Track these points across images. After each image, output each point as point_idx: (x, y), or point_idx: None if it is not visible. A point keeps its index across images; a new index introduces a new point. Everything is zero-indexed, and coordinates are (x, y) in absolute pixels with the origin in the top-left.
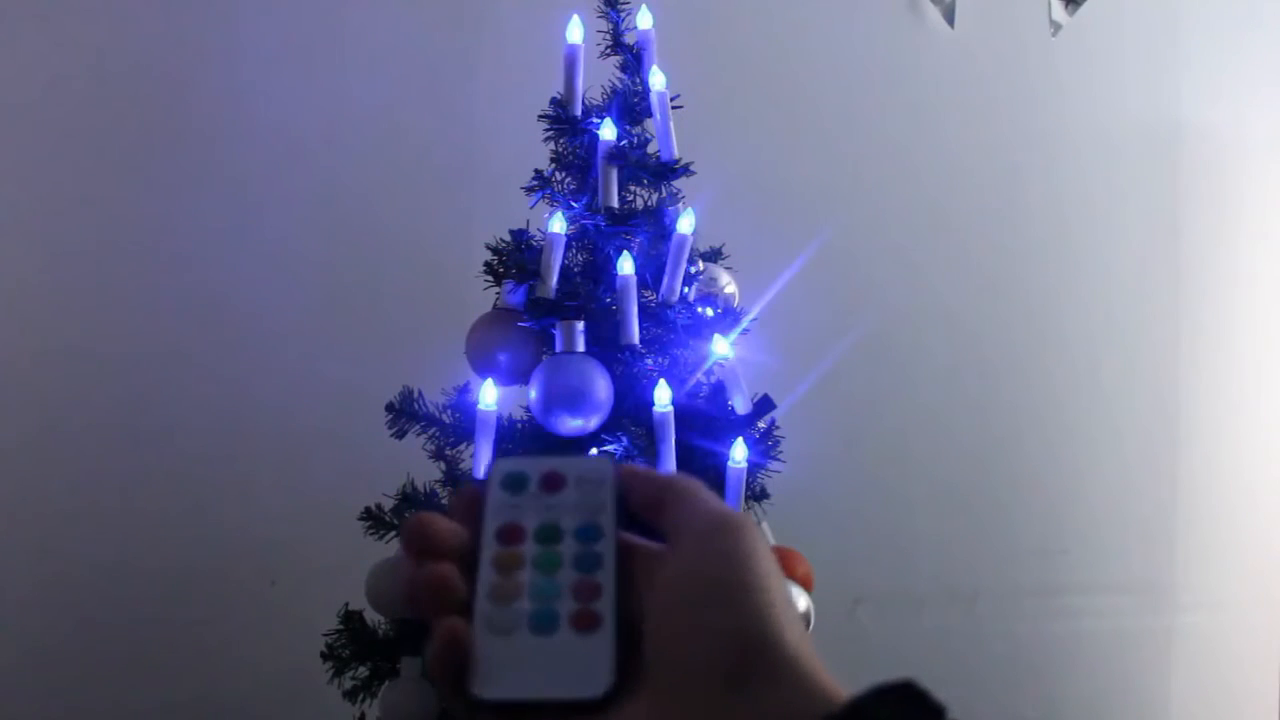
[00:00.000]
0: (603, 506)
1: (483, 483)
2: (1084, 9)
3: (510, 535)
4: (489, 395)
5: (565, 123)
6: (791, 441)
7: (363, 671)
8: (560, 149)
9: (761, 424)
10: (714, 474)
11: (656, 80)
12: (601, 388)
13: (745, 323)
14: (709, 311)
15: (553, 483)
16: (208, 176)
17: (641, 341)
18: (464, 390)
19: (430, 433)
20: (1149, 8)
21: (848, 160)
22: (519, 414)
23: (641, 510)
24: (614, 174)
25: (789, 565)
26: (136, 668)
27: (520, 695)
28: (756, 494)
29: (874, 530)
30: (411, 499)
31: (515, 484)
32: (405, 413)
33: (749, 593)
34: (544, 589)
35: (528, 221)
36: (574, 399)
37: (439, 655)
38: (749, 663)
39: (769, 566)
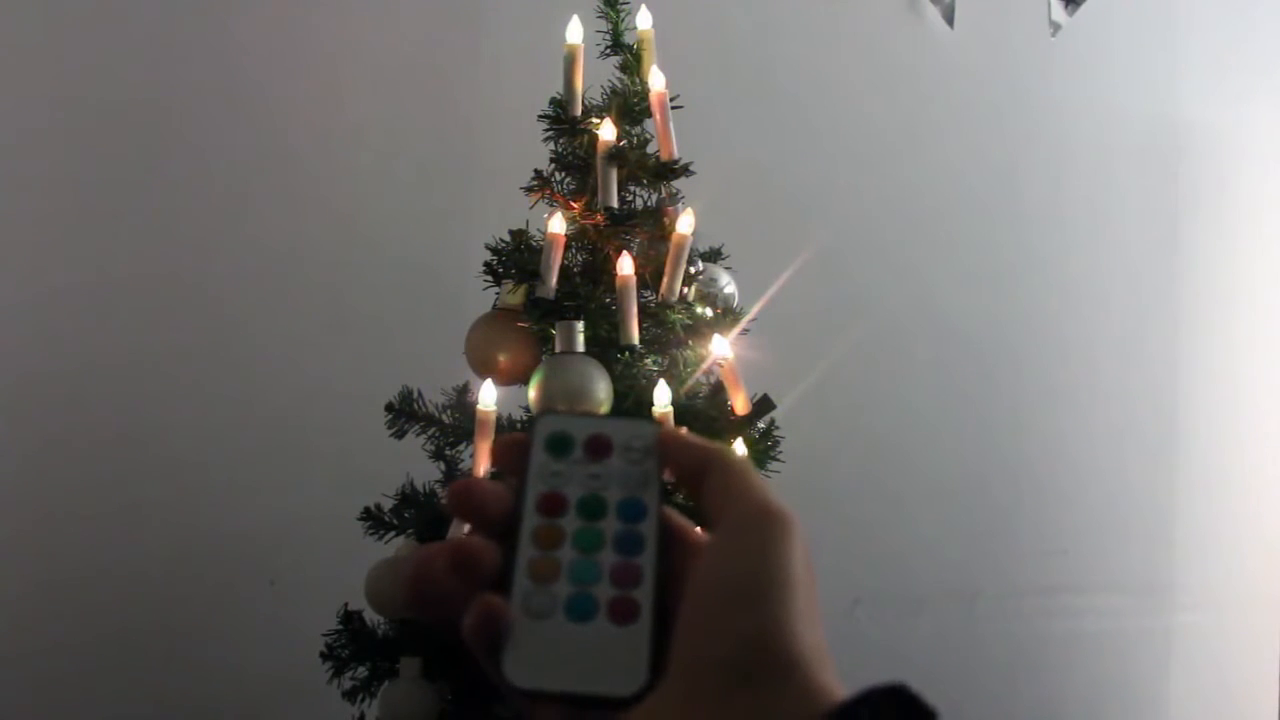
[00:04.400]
0: (648, 479)
1: (527, 435)
2: (1083, 9)
3: (552, 506)
4: (489, 395)
5: (565, 123)
6: (791, 441)
7: (362, 671)
8: (560, 149)
9: (761, 424)
10: None
11: (656, 80)
12: (601, 388)
13: (745, 323)
14: (709, 311)
15: (598, 448)
16: (207, 177)
17: (641, 341)
18: (464, 390)
19: (430, 433)
20: (1148, 8)
21: (847, 160)
22: (519, 414)
23: (681, 482)
24: (613, 174)
25: None
26: (136, 668)
27: (553, 687)
28: None
29: (873, 530)
30: (411, 499)
31: (560, 446)
32: (405, 413)
33: (778, 593)
34: (583, 571)
35: (527, 221)
36: (574, 399)
37: (474, 631)
38: (760, 663)
39: (803, 566)
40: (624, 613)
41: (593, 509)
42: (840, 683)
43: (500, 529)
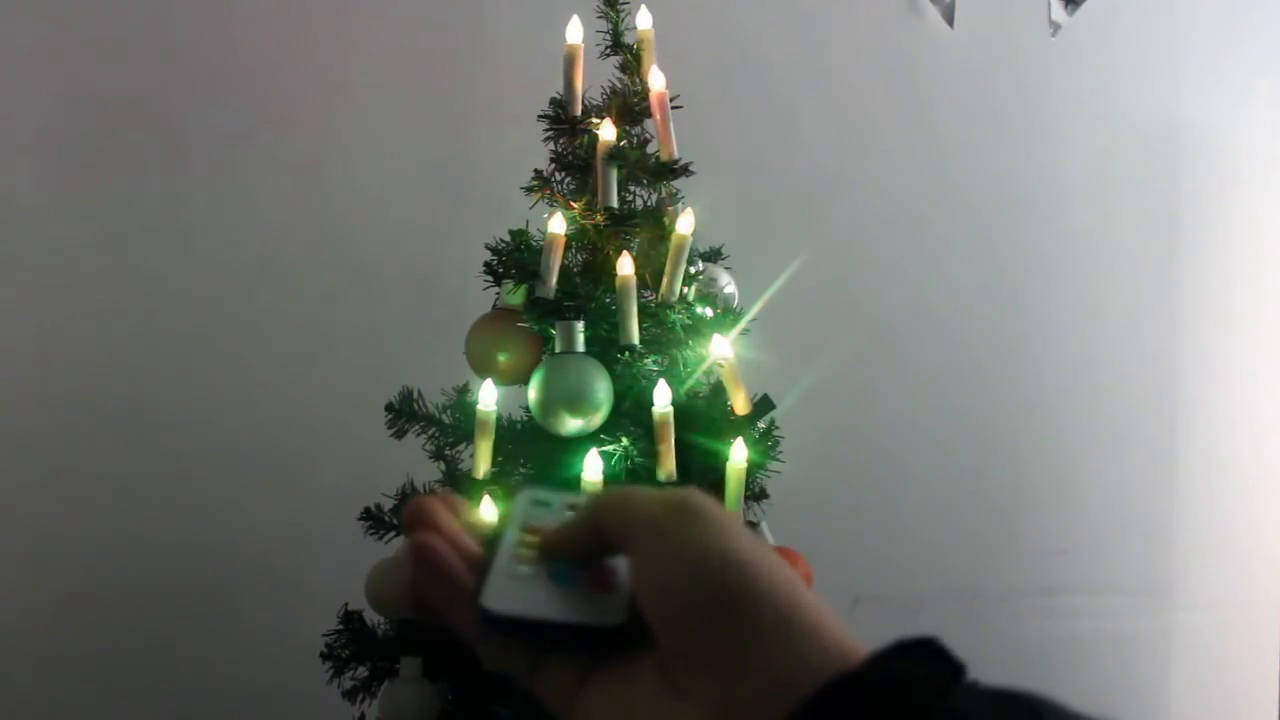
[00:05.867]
0: None
1: (510, 504)
2: (1083, 9)
3: (534, 531)
4: (489, 395)
5: (565, 123)
6: (791, 441)
7: (362, 671)
8: (560, 149)
9: (761, 424)
10: (714, 474)
11: (656, 80)
12: (601, 388)
13: (745, 323)
14: (709, 311)
15: (575, 509)
16: (207, 176)
17: (641, 341)
18: (464, 390)
19: (430, 433)
20: (1148, 8)
21: (847, 160)
22: (519, 414)
23: (589, 549)
24: (614, 174)
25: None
26: (135, 668)
27: (532, 613)
28: (756, 494)
29: (874, 530)
30: (411, 499)
31: (541, 504)
32: (405, 413)
33: (721, 577)
34: (563, 564)
35: (527, 221)
36: (574, 399)
37: (450, 561)
38: (752, 637)
39: (736, 537)
40: (601, 586)
41: None
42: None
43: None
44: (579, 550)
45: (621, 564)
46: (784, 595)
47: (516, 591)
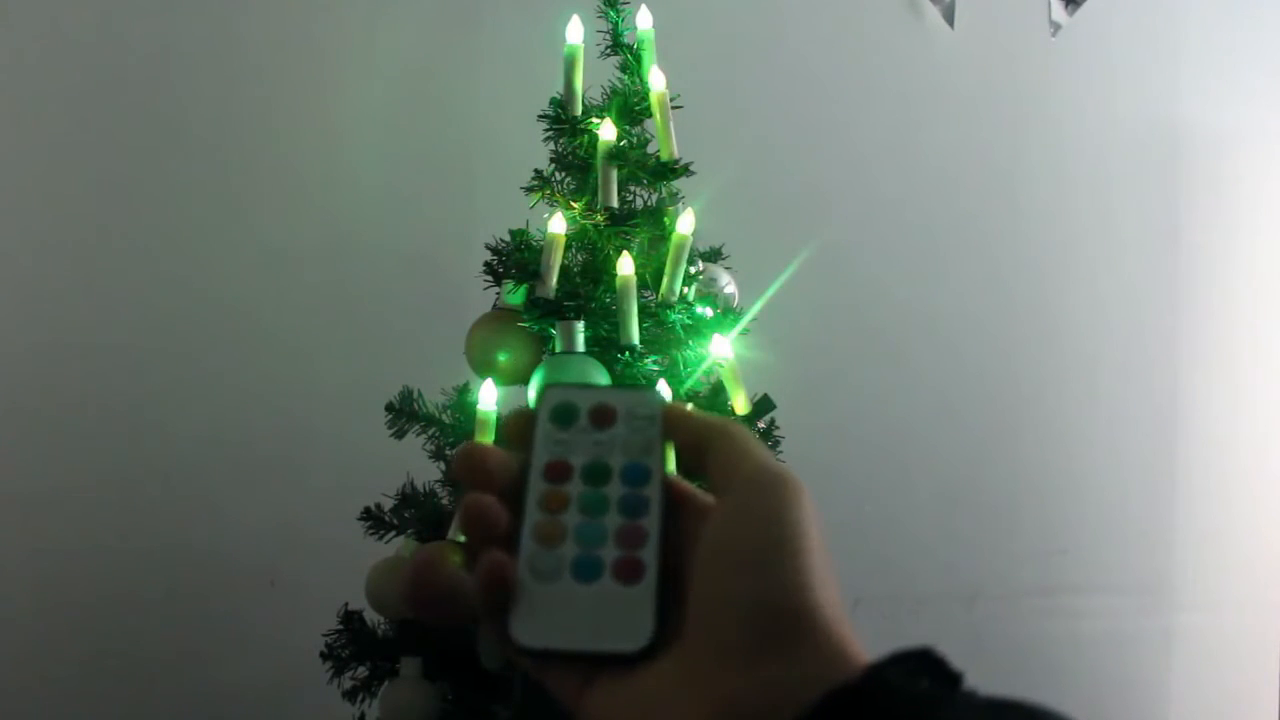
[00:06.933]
0: (652, 445)
1: (534, 409)
2: (1084, 9)
3: (557, 473)
4: (489, 395)
5: (565, 123)
6: (791, 441)
7: (362, 671)
8: (560, 149)
9: (761, 424)
10: None
11: (656, 80)
12: None
13: (745, 323)
14: (709, 311)
15: (602, 417)
16: (207, 176)
17: (641, 341)
18: (464, 390)
19: (430, 433)
20: (1149, 8)
21: (847, 160)
22: None
23: (684, 451)
24: (614, 174)
25: None
26: (134, 669)
27: (560, 645)
28: None
29: (874, 530)
30: (411, 499)
31: (565, 416)
32: (405, 413)
33: (791, 558)
34: (589, 533)
35: (528, 221)
36: None
37: (482, 589)
38: (780, 628)
39: (813, 530)
40: (629, 572)
41: (597, 474)
42: (859, 645)
43: (506, 495)
44: (677, 442)
45: (653, 525)
46: (826, 599)
47: (545, 611)
